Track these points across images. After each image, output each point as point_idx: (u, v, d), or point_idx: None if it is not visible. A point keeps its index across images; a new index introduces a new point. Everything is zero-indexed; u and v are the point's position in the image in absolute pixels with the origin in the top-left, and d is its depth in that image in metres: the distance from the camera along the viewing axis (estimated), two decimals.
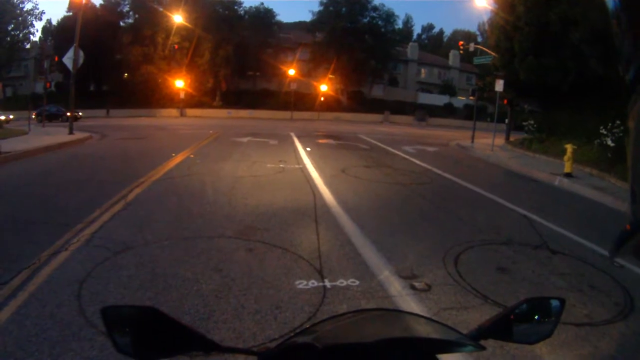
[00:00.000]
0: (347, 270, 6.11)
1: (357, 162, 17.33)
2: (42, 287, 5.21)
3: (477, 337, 1.36)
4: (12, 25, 55.61)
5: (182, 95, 55.83)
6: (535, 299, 1.47)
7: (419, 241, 7.64)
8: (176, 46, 54.16)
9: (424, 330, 1.41)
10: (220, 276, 5.76)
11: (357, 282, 5.70)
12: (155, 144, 22.12)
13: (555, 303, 1.46)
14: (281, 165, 15.33)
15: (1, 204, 9.22)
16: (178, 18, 46.91)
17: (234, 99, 59.73)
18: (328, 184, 12.10)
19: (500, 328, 1.39)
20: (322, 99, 61.81)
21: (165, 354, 1.25)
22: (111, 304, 1.32)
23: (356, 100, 64.52)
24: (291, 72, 61.14)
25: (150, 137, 25.34)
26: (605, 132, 17.95)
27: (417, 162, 18.38)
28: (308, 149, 21.19)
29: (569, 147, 15.69)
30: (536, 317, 1.44)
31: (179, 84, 55.19)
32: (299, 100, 61.23)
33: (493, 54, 29.10)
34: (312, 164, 15.98)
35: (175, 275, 5.71)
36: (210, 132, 29.03)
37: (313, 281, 5.69)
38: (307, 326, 1.41)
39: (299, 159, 17.31)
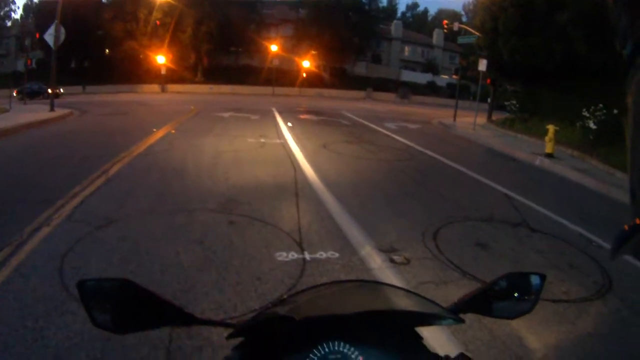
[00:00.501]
0: (326, 243, 6.13)
1: (338, 137, 17.32)
2: (24, 263, 5.17)
3: (456, 311, 1.35)
4: None
5: (163, 71, 55.02)
6: (516, 274, 1.45)
7: (399, 217, 7.66)
8: (158, 22, 53.31)
9: (403, 303, 1.40)
10: (202, 249, 5.76)
11: (337, 255, 5.72)
12: (136, 120, 21.89)
13: (535, 279, 1.44)
14: (262, 140, 15.26)
15: None
16: None
17: (216, 74, 59.01)
18: (309, 159, 12.07)
19: (480, 302, 1.38)
20: (305, 75, 61.36)
21: (142, 327, 1.24)
22: (87, 278, 1.23)
23: (339, 77, 64.11)
24: (274, 48, 60.54)
25: (132, 113, 25.04)
26: (587, 115, 18.06)
27: (399, 139, 18.37)
28: (289, 124, 21.10)
29: (551, 128, 15.80)
30: (516, 292, 1.42)
31: (161, 59, 54.36)
32: (281, 77, 60.74)
33: (477, 33, 29.05)
34: (294, 139, 15.93)
35: (157, 249, 5.70)
36: (192, 107, 28.75)
37: (293, 253, 5.71)
38: (285, 297, 1.37)
39: (280, 134, 17.24)
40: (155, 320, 1.24)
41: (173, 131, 16.88)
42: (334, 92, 60.60)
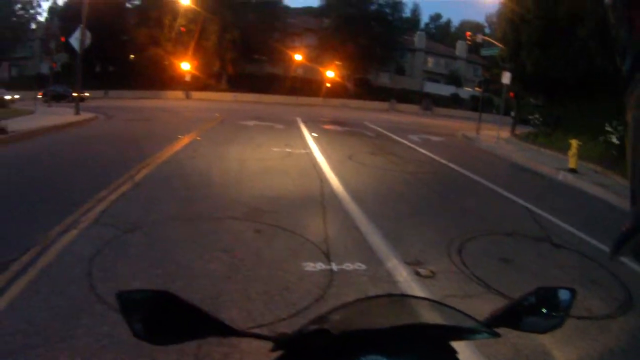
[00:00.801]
0: (353, 254, 6.23)
1: (363, 149, 17.39)
2: (51, 264, 5.32)
3: (488, 325, 1.34)
4: (19, 5, 55.46)
5: (187, 77, 55.41)
6: (545, 288, 1.45)
7: (423, 229, 7.75)
8: (183, 29, 53.62)
9: (437, 317, 1.41)
10: (229, 257, 5.88)
11: (364, 267, 5.81)
12: (161, 126, 22.22)
13: (565, 294, 1.45)
14: (287, 150, 15.41)
15: (8, 184, 9.33)
16: (185, 0, 46.54)
17: (240, 82, 59.24)
18: (335, 170, 12.19)
19: (510, 317, 1.38)
20: (328, 85, 61.52)
21: (181, 339, 1.26)
22: (126, 289, 1.26)
23: (362, 88, 64.19)
24: (298, 57, 60.76)
25: (156, 119, 25.39)
26: (610, 130, 17.92)
27: (423, 151, 18.43)
28: (314, 134, 21.24)
29: (574, 143, 15.71)
30: (546, 307, 1.43)
31: (185, 66, 54.75)
32: (304, 86, 60.99)
33: (500, 45, 29.00)
34: (319, 149, 16.06)
35: (184, 255, 5.83)
36: (216, 115, 29.03)
37: (320, 264, 5.80)
38: (319, 315, 1.37)
39: (305, 144, 17.38)
40: (193, 332, 1.25)
41: (198, 138, 17.10)
42: (357, 102, 60.68)
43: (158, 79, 55.17)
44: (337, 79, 62.32)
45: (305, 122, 27.24)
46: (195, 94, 56.20)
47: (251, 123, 24.65)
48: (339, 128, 25.86)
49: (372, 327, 1.27)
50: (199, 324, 1.24)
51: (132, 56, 58.53)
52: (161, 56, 55.24)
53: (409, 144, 20.74)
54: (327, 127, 26.15)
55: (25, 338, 3.82)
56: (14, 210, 7.38)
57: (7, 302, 4.41)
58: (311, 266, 5.74)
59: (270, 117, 29.31)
